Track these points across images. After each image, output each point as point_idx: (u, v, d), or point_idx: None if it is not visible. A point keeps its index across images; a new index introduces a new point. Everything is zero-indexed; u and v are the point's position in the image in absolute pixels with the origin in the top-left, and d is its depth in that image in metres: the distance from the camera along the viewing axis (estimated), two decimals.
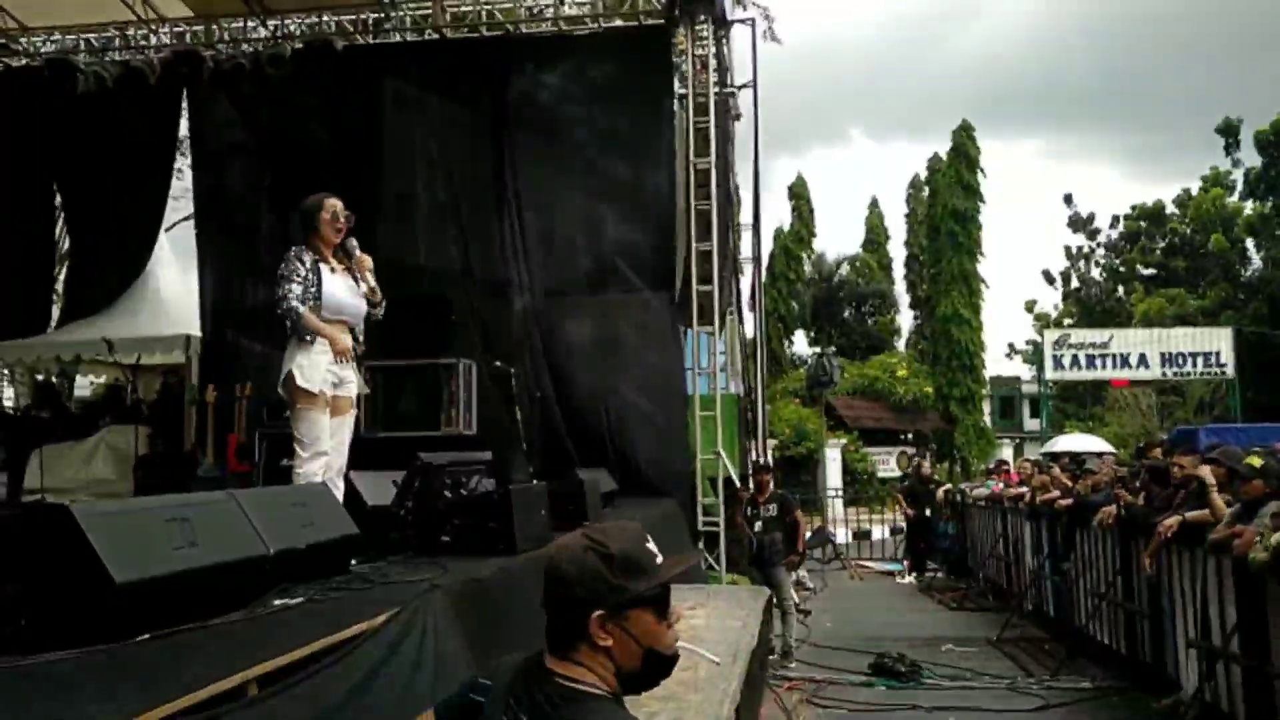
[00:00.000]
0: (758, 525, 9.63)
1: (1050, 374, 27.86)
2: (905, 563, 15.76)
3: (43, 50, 11.76)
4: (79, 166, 11.74)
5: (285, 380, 5.00)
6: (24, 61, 11.78)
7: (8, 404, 11.31)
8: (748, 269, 14.55)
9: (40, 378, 12.67)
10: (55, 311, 12.58)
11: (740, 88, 12.70)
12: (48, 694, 2.51)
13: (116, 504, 4.35)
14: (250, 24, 11.60)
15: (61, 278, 13.69)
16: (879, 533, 18.74)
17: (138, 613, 3.03)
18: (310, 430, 4.98)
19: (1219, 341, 26.80)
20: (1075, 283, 42.88)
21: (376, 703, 3.06)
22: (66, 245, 13.16)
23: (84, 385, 14.60)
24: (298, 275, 5.00)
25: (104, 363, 11.70)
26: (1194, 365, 26.74)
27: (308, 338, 4.97)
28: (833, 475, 25.97)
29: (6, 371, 11.64)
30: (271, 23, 11.52)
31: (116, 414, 11.46)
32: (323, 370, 4.98)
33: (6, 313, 11.09)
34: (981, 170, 32.38)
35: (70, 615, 2.94)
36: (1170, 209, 39.62)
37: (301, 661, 2.92)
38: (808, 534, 16.34)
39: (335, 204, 5.12)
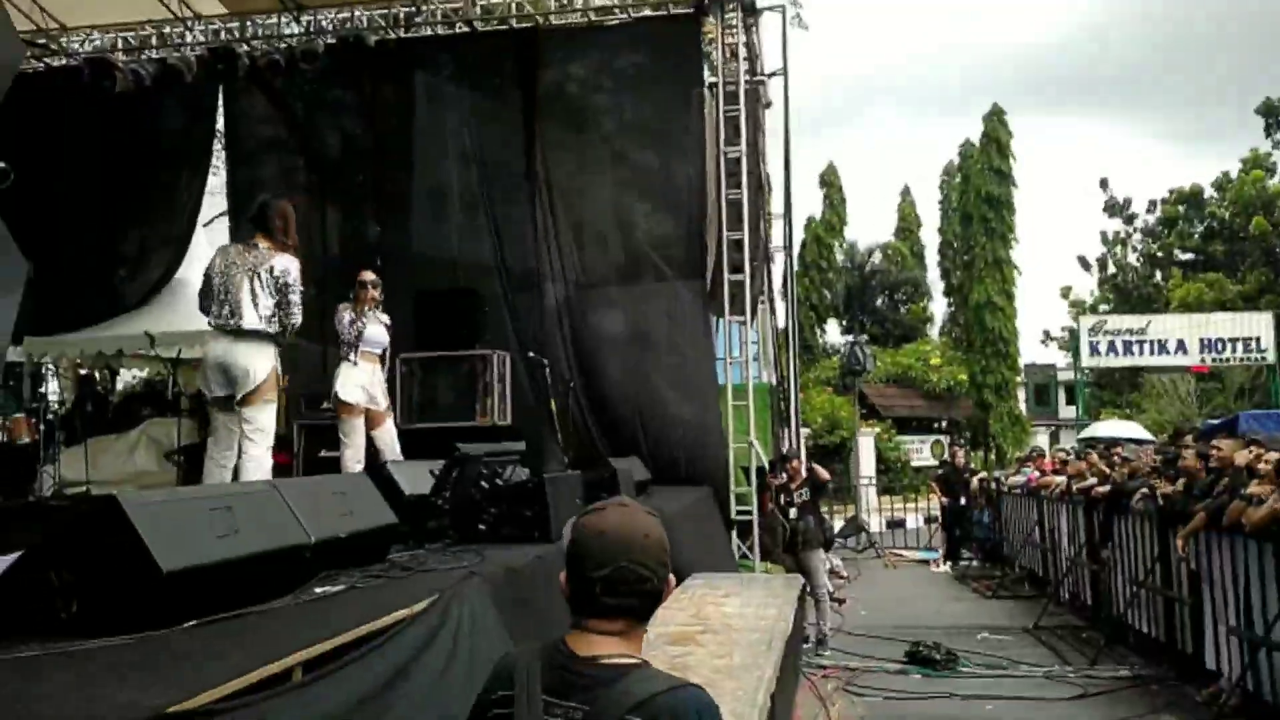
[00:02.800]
0: (792, 512, 9.63)
1: (1086, 360, 27.53)
2: (940, 551, 15.69)
3: (81, 49, 11.94)
4: (117, 164, 11.91)
5: None
6: (64, 61, 11.96)
7: (52, 398, 11.52)
8: (779, 258, 14.52)
9: (84, 372, 12.90)
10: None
11: (770, 75, 12.66)
12: (100, 678, 2.58)
13: (163, 494, 4.44)
14: (284, 20, 11.70)
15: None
16: (913, 521, 18.66)
17: (184, 600, 3.10)
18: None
19: (1259, 326, 26.33)
20: (1112, 268, 42.22)
21: (417, 687, 3.12)
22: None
23: (126, 379, 14.85)
24: None
25: (145, 357, 11.89)
26: (1233, 351, 26.31)
27: None
28: (866, 464, 25.84)
29: (51, 366, 11.84)
30: (305, 18, 11.62)
31: (157, 407, 11.65)
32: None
33: (50, 308, 11.28)
34: (1013, 155, 32.00)
35: (119, 602, 3.01)
36: (1209, 192, 38.90)
37: (344, 647, 2.98)
38: (840, 523, 16.37)
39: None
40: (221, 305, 5.43)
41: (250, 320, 5.39)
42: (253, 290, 5.41)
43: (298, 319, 5.59)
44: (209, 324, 5.57)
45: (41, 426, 10.02)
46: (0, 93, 8.85)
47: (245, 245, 5.63)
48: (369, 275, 7.09)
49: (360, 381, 6.73)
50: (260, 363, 5.44)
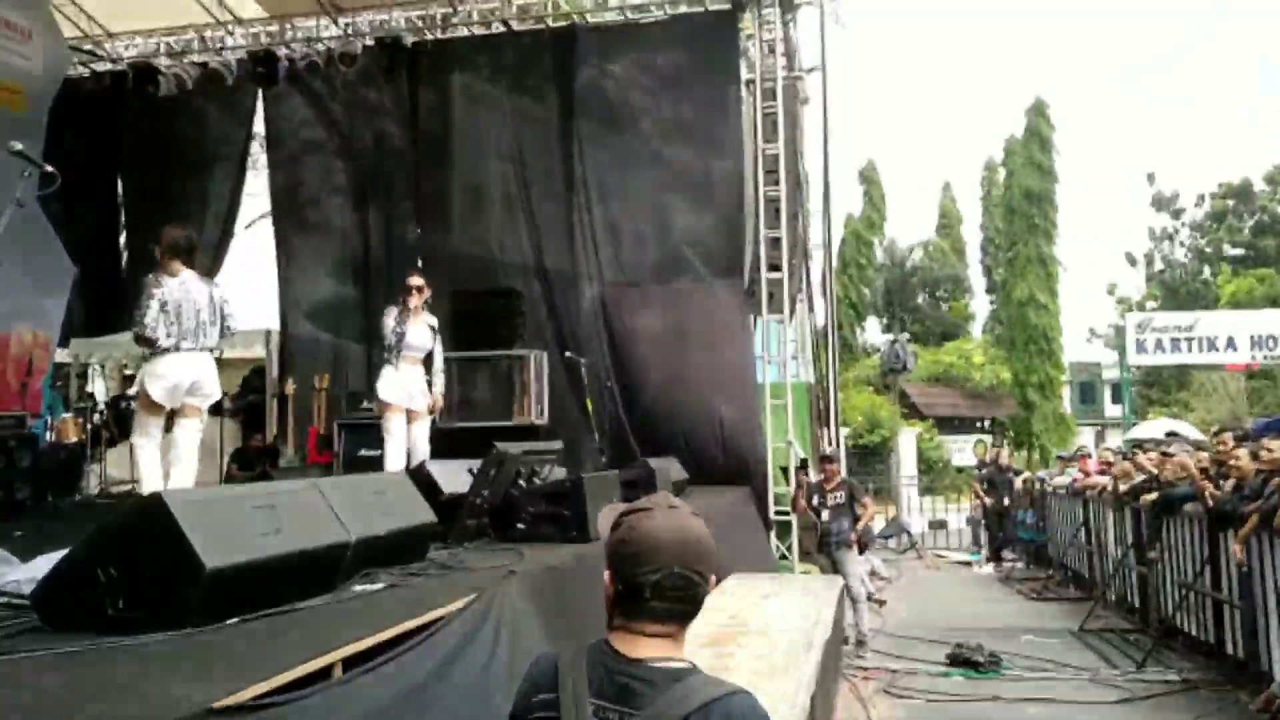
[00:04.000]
0: (825, 514, 9.54)
1: (1133, 358, 27.04)
2: (983, 552, 15.51)
3: (125, 54, 12.14)
4: (160, 166, 12.12)
5: None
6: (109, 66, 12.17)
7: (99, 398, 11.73)
8: (818, 255, 14.40)
9: (113, 374, 13.10)
10: None
11: (809, 71, 12.57)
12: (148, 674, 2.62)
13: (206, 493, 4.50)
14: (322, 23, 11.82)
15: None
16: (955, 522, 18.46)
17: (227, 597, 3.14)
18: None
19: None
20: (1159, 264, 41.51)
21: (456, 684, 3.12)
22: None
23: None
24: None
25: None
26: None
27: None
28: (907, 464, 25.57)
29: (97, 366, 12.06)
30: (343, 21, 11.73)
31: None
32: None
33: (97, 310, 11.50)
34: (1055, 149, 31.53)
35: (164, 598, 3.05)
36: (1259, 185, 38.13)
37: (384, 644, 3.00)
38: (881, 523, 16.22)
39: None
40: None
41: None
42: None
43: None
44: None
45: (88, 426, 10.19)
46: (49, 97, 9.04)
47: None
48: (416, 280, 7.21)
49: (401, 382, 6.96)
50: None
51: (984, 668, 8.16)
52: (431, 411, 7.31)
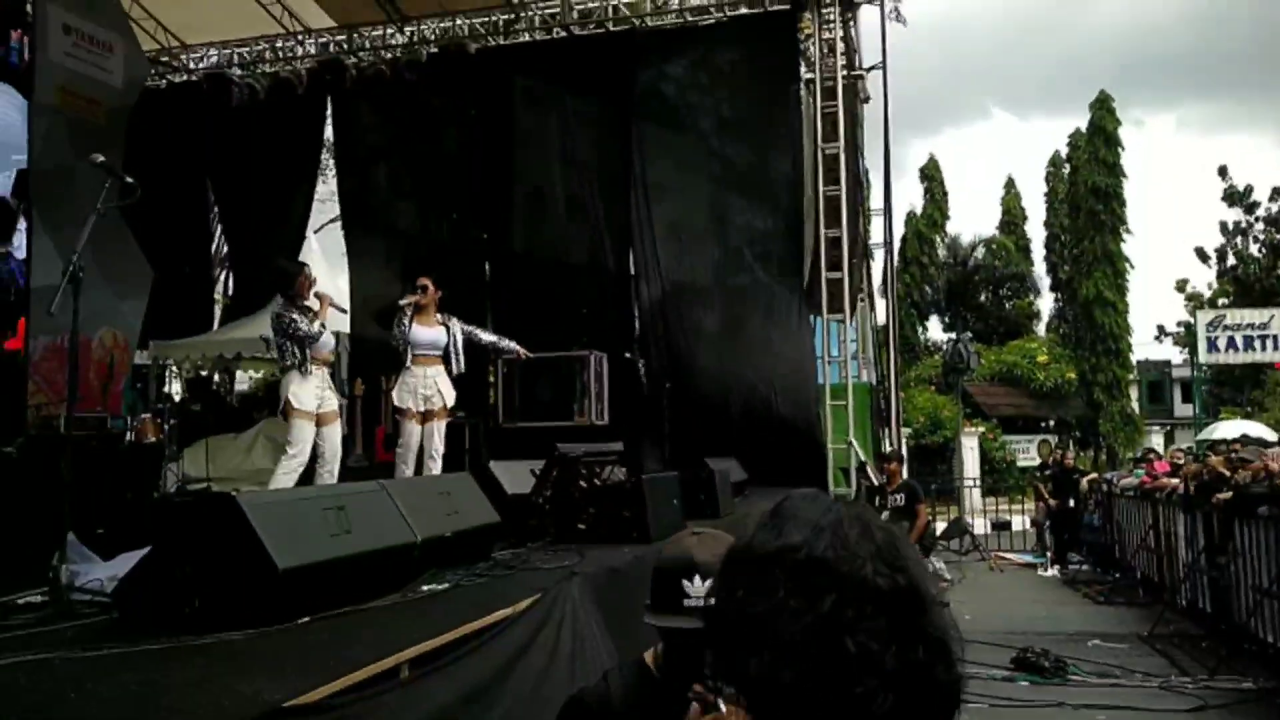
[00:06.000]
0: (885, 515, 9.48)
1: (1204, 357, 26.31)
2: (1048, 554, 15.23)
3: (200, 65, 12.50)
4: (234, 174, 12.45)
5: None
6: (184, 77, 12.54)
7: (176, 399, 12.10)
8: (879, 254, 14.31)
9: (190, 375, 13.47)
10: (217, 311, 13.39)
11: (869, 70, 12.49)
12: (223, 670, 2.71)
13: (279, 493, 4.63)
14: (389, 31, 12.04)
15: (221, 279, 14.56)
16: (1019, 523, 18.13)
17: (299, 596, 3.24)
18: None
19: None
20: (1231, 260, 40.26)
21: (520, 684, 3.19)
22: (225, 249, 13.96)
23: (243, 380, 15.48)
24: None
25: (262, 359, 12.38)
26: None
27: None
28: (970, 464, 25.23)
29: (174, 368, 12.43)
30: (408, 29, 11.94)
31: (273, 408, 12.11)
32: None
33: (174, 313, 11.83)
34: (1121, 145, 30.82)
35: (238, 597, 3.16)
36: None
37: (450, 644, 3.07)
38: (943, 525, 16.02)
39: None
40: None
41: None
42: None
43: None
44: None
45: (166, 426, 10.50)
46: (128, 108, 9.30)
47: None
48: (423, 280, 7.23)
49: (412, 385, 6.95)
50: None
51: (1050, 673, 8.02)
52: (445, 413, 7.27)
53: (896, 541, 0.93)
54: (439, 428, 7.06)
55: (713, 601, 0.97)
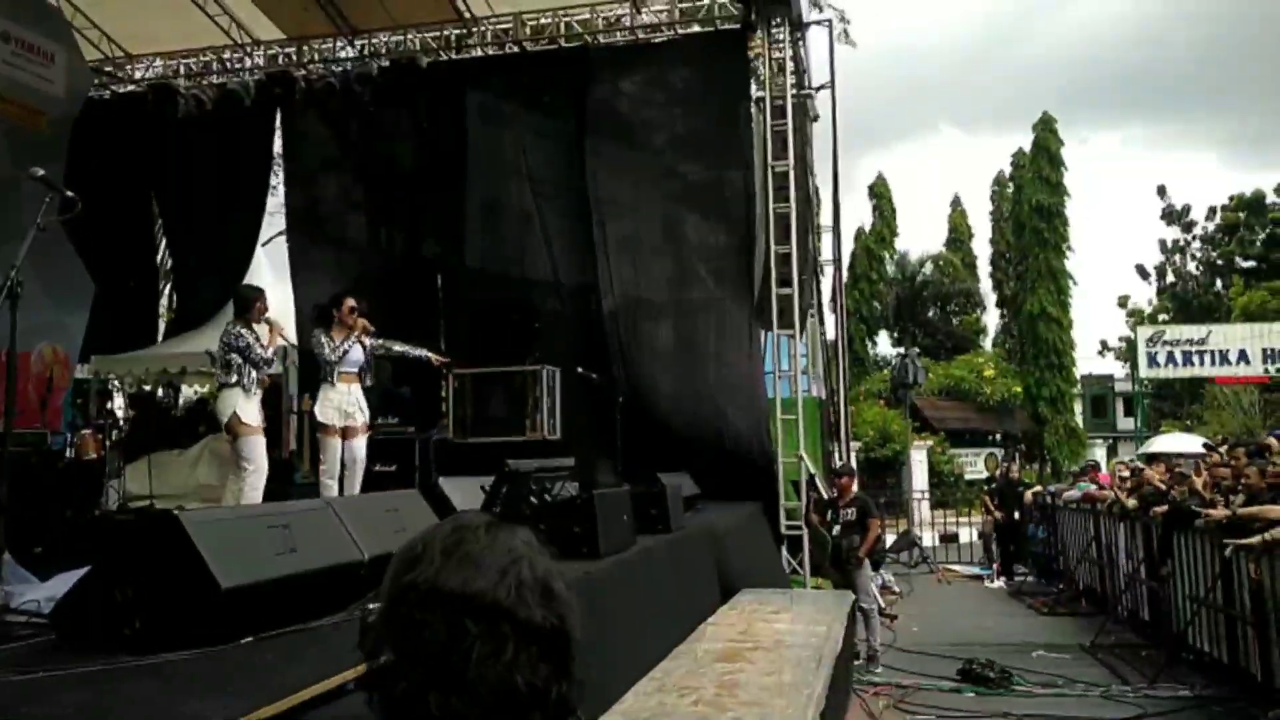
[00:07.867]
0: (836, 529, 9.55)
1: (1145, 372, 27.01)
2: (994, 566, 15.45)
3: (145, 76, 12.32)
4: (179, 187, 12.26)
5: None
6: (129, 88, 12.34)
7: (119, 414, 11.84)
8: (828, 270, 14.45)
9: (133, 389, 13.20)
10: (161, 325, 13.15)
11: (818, 89, 12.66)
12: (164, 692, 2.67)
13: (221, 511, 4.56)
14: (339, 43, 11.96)
15: (166, 293, 14.31)
16: (966, 536, 18.39)
17: (242, 616, 3.20)
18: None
19: None
20: (1170, 277, 41.37)
21: None
22: (169, 263, 13.73)
23: (190, 395, 15.19)
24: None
25: (208, 374, 12.16)
26: None
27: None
28: (918, 478, 25.56)
29: (116, 383, 12.18)
30: (359, 42, 11.87)
31: (216, 423, 11.90)
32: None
33: (117, 327, 11.62)
34: (1064, 165, 31.57)
35: (180, 617, 3.11)
36: (1271, 198, 37.99)
37: None
38: (892, 537, 16.19)
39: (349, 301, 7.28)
40: None
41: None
42: None
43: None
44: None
45: (107, 442, 10.29)
46: (70, 119, 9.17)
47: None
48: (351, 301, 7.36)
49: (336, 402, 7.11)
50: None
51: (995, 684, 8.14)
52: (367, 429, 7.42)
53: (551, 580, 1.03)
54: (361, 443, 7.23)
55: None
